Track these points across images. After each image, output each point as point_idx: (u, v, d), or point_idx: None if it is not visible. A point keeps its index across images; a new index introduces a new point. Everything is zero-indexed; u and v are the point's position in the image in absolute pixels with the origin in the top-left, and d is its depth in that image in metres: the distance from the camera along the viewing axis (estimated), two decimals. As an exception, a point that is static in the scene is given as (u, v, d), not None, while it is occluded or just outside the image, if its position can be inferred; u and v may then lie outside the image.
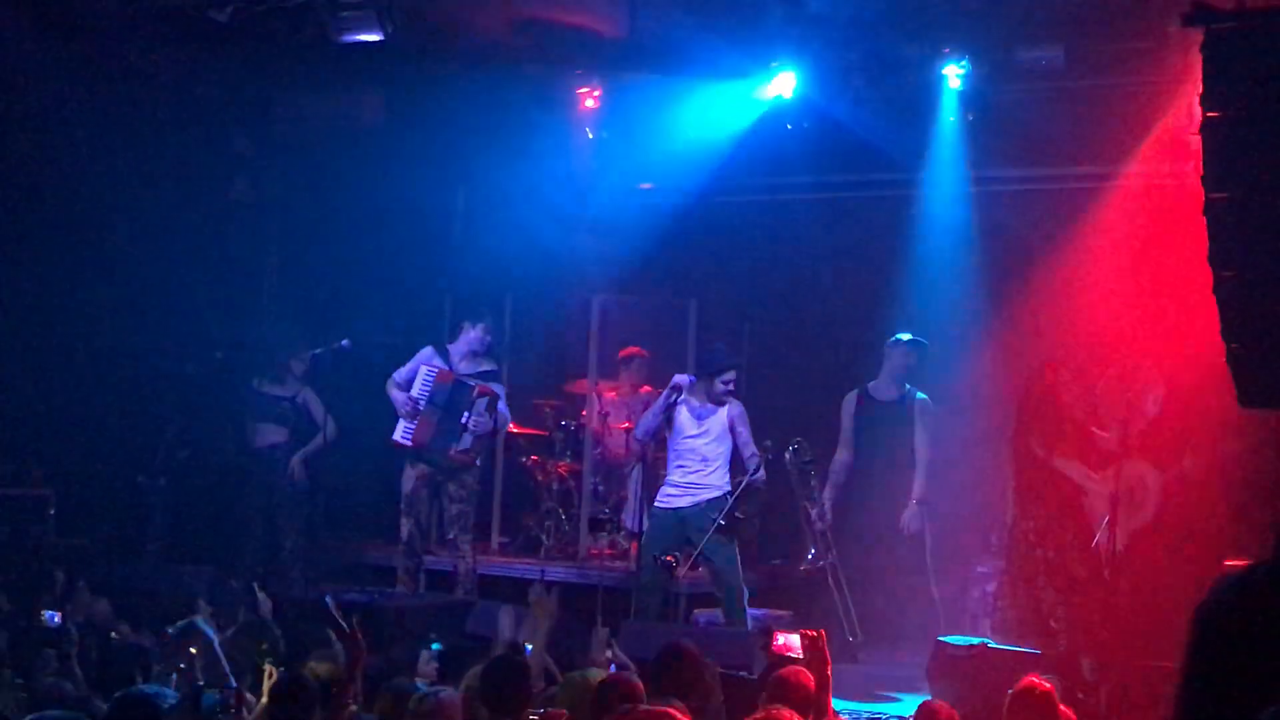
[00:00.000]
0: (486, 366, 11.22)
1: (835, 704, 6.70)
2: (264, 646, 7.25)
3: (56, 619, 7.79)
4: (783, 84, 11.65)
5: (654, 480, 10.52)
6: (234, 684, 6.79)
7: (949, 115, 11.40)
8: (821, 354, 12.11)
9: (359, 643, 6.42)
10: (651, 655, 6.75)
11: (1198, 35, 8.50)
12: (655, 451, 10.72)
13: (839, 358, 11.90)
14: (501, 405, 11.14)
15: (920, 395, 10.67)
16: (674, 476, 10.33)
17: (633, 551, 10.93)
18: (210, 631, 7.63)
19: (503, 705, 6.04)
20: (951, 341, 11.65)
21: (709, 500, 10.13)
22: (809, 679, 6.26)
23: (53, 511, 11.40)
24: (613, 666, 7.27)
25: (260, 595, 8.38)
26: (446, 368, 11.03)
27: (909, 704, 8.16)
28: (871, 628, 10.67)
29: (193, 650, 7.38)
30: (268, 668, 6.83)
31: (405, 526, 11.11)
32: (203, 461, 12.29)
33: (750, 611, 10.19)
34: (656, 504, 10.37)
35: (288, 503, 11.82)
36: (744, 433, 10.21)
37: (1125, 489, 9.25)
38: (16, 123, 11.77)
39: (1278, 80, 7.85)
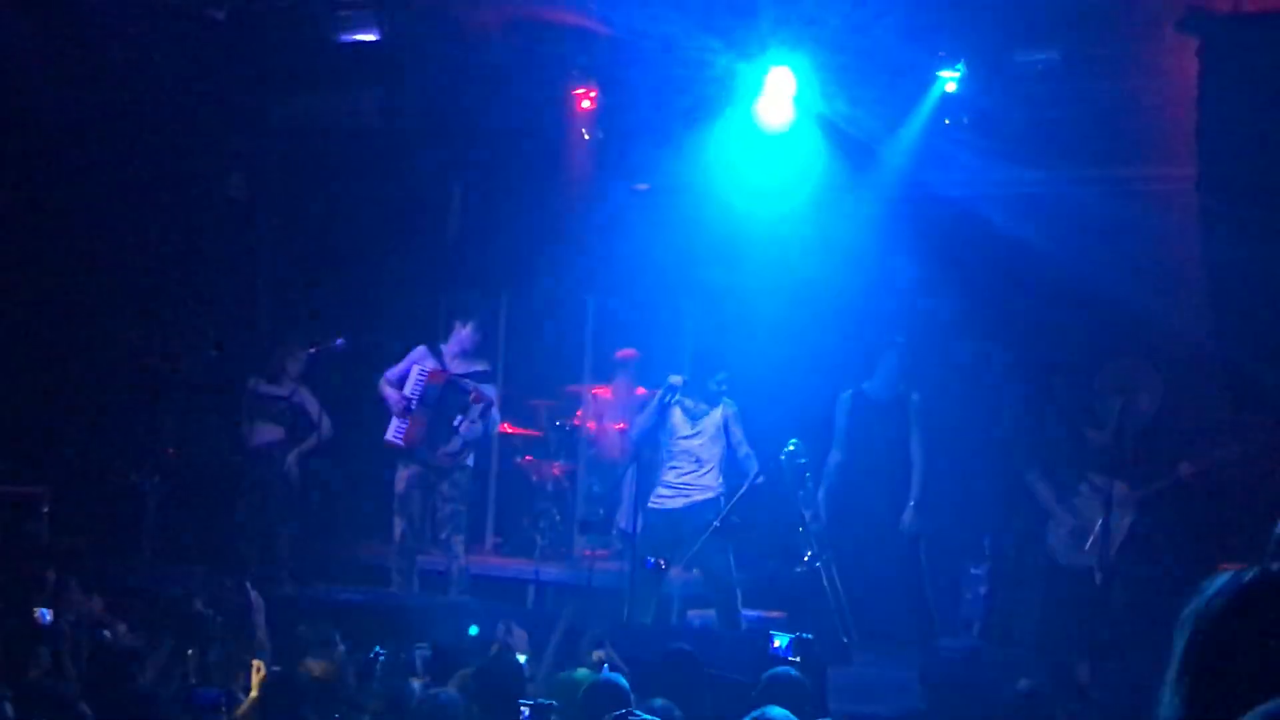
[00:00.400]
0: (479, 366, 11.19)
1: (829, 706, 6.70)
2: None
3: (49, 617, 7.78)
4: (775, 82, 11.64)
5: (648, 481, 10.50)
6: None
7: (945, 117, 11.39)
8: (817, 354, 12.09)
9: None
10: (645, 656, 6.75)
11: (1194, 39, 8.52)
12: (650, 453, 10.71)
13: (834, 357, 11.89)
14: (493, 410, 11.13)
15: (916, 395, 10.66)
16: (668, 477, 10.32)
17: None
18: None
19: (495, 703, 6.03)
20: (947, 342, 11.65)
21: (703, 501, 10.11)
22: (803, 681, 6.26)
23: (46, 510, 11.38)
24: (605, 668, 7.26)
25: (252, 594, 8.37)
26: (439, 367, 11.01)
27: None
28: (866, 629, 10.66)
29: (189, 653, 7.38)
30: (256, 664, 6.83)
31: (398, 526, 11.09)
32: (197, 460, 12.27)
33: (744, 613, 10.18)
34: (650, 505, 10.35)
35: (283, 501, 11.82)
36: (739, 433, 10.19)
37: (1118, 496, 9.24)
38: (12, 119, 11.75)
39: (1273, 84, 7.86)
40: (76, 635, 7.82)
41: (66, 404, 12.22)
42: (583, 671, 7.00)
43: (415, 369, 10.98)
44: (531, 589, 11.67)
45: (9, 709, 6.03)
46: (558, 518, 12.44)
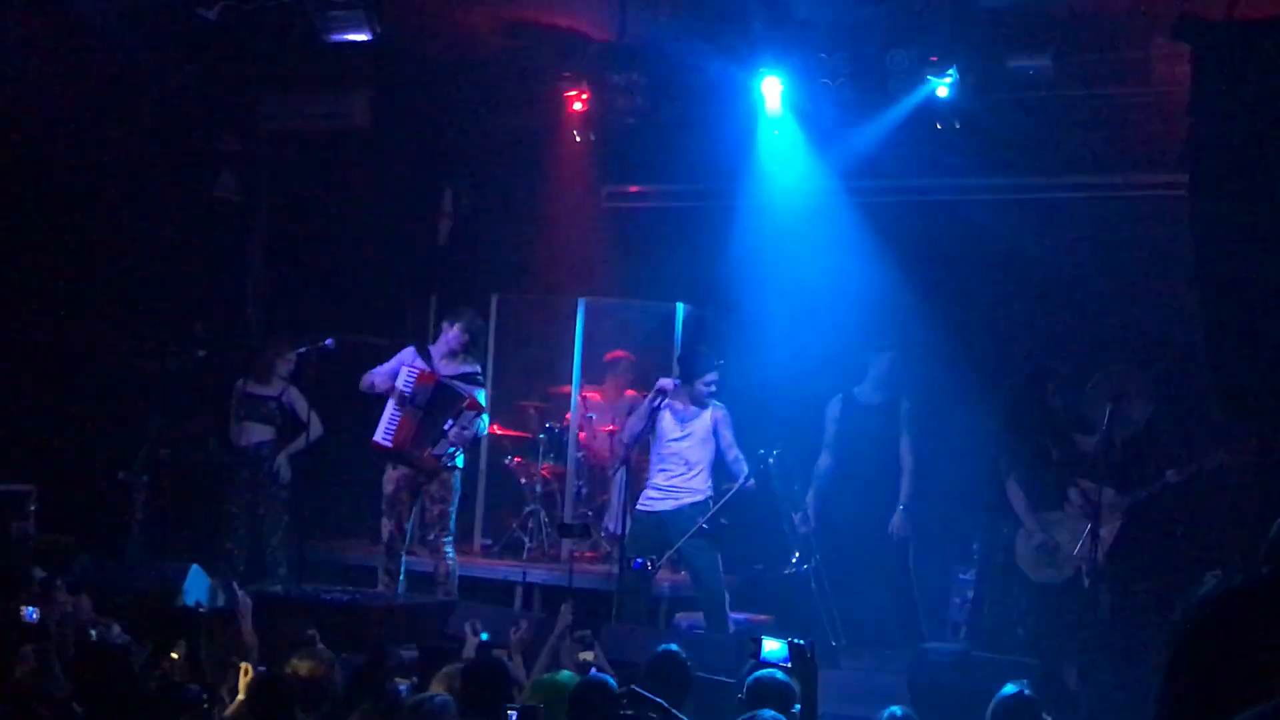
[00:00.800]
0: (468, 367, 11.16)
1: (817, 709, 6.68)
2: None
3: (35, 615, 7.75)
4: (770, 90, 11.67)
5: (637, 484, 10.50)
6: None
7: (937, 122, 11.40)
8: (807, 358, 12.10)
9: None
10: (632, 658, 6.74)
11: (1186, 47, 8.54)
12: (639, 455, 10.70)
13: (824, 362, 11.90)
14: (484, 415, 11.14)
15: (906, 401, 10.66)
16: (657, 480, 10.31)
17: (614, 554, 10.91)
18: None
19: (482, 705, 6.02)
20: (938, 348, 11.67)
21: (692, 504, 10.11)
22: (791, 685, 6.25)
23: (33, 507, 11.36)
24: (592, 670, 7.26)
25: (240, 593, 8.35)
26: (428, 369, 10.99)
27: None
28: (854, 633, 10.68)
29: (174, 655, 7.35)
30: (244, 665, 6.81)
31: (386, 527, 11.07)
32: (185, 459, 12.25)
33: (732, 616, 10.19)
34: (639, 507, 10.34)
35: (271, 501, 11.81)
36: (728, 437, 10.19)
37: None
38: (1, 118, 11.72)
39: (1265, 92, 7.88)
40: (63, 635, 7.78)
41: (54, 402, 12.18)
42: (566, 674, 6.99)
43: (404, 370, 10.95)
44: (519, 590, 11.66)
45: None
46: (546, 520, 12.43)
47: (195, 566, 10.13)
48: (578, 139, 12.71)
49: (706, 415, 10.22)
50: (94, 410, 12.32)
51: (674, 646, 6.95)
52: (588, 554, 12.17)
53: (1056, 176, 11.56)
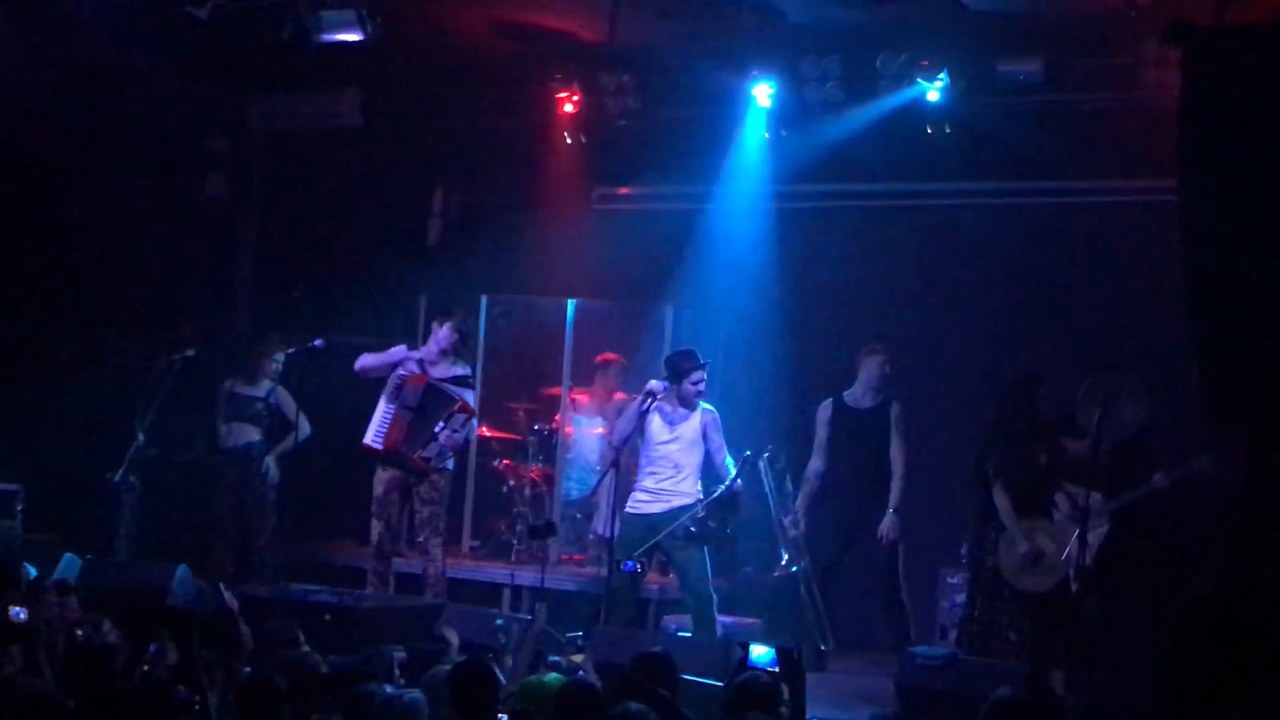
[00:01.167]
0: (459, 369, 11.15)
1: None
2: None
3: (23, 615, 7.72)
4: (760, 94, 11.69)
5: (626, 486, 10.48)
6: None
7: (928, 127, 11.41)
8: (797, 362, 12.11)
9: None
10: (620, 660, 6.73)
11: (1177, 52, 8.54)
12: (628, 457, 10.69)
13: (815, 366, 11.91)
14: (473, 419, 11.12)
15: (897, 404, 10.66)
16: (646, 483, 10.29)
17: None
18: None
19: (470, 708, 6.01)
20: (928, 352, 11.68)
21: (680, 507, 10.09)
22: (777, 687, 6.24)
23: (21, 507, 11.33)
24: (580, 673, 7.25)
25: (226, 594, 8.33)
26: (418, 371, 10.98)
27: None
28: (843, 636, 10.68)
29: (159, 654, 7.33)
30: (229, 666, 6.79)
31: (375, 529, 11.05)
32: (174, 460, 12.22)
33: (720, 619, 10.18)
34: (627, 509, 10.31)
35: (260, 502, 11.79)
36: (717, 439, 10.18)
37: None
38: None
39: (1255, 97, 7.88)
40: (51, 634, 7.76)
41: (42, 401, 12.15)
42: (553, 676, 6.99)
43: (395, 375, 10.94)
44: (507, 592, 11.66)
45: None
46: (535, 522, 12.41)
47: (183, 567, 10.10)
48: (568, 140, 12.72)
49: (695, 418, 10.20)
50: (82, 410, 12.29)
51: (660, 649, 6.94)
52: (576, 556, 12.16)
53: (1046, 181, 11.57)
